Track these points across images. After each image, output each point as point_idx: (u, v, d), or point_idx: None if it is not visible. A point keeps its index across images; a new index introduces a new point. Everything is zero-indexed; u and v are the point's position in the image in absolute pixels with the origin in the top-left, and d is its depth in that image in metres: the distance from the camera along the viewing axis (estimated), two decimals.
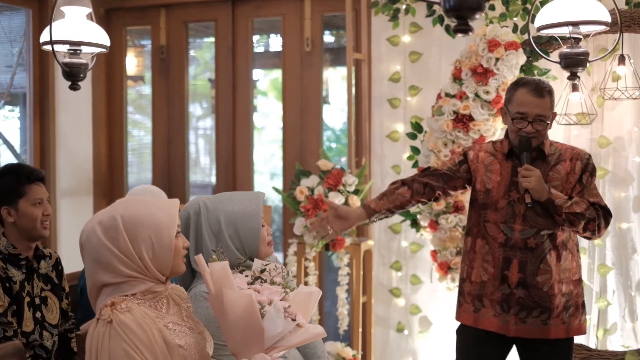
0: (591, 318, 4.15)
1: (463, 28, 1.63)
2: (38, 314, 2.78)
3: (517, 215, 2.93)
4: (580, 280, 3.01)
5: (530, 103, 2.89)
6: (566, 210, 2.84)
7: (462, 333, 3.12)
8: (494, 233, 2.97)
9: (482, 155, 3.06)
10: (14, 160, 4.99)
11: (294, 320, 1.96)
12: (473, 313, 3.04)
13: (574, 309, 2.97)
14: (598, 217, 2.88)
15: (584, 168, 2.93)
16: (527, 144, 2.90)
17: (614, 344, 4.10)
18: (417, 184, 3.07)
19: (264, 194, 2.57)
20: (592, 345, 4.09)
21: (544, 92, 2.90)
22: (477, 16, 1.62)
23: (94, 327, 1.98)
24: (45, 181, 2.94)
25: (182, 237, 2.11)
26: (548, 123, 2.91)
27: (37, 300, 2.81)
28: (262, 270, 2.09)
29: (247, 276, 2.09)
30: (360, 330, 4.43)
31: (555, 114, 3.00)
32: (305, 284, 4.30)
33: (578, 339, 4.11)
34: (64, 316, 2.93)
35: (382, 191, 3.12)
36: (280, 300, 1.98)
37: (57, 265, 2.97)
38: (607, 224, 2.92)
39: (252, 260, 2.25)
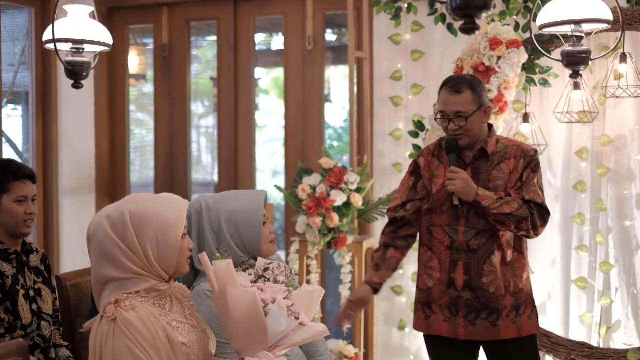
0: (593, 316, 4.16)
1: (470, 27, 1.63)
2: (34, 306, 2.80)
3: (460, 217, 2.90)
4: (529, 278, 2.98)
5: (447, 100, 2.88)
6: (494, 210, 2.80)
7: (428, 343, 3.12)
8: (440, 236, 2.94)
9: (429, 160, 3.02)
10: (16, 159, 5.00)
11: (297, 318, 1.97)
12: (424, 320, 3.03)
13: (524, 307, 2.94)
14: (531, 216, 2.81)
15: (526, 164, 2.88)
16: (453, 145, 2.88)
17: (617, 342, 4.10)
18: (399, 241, 3.09)
19: (266, 192, 2.56)
20: (595, 343, 4.09)
21: (461, 87, 2.86)
22: (484, 15, 1.62)
23: (97, 325, 1.98)
24: (35, 180, 2.91)
25: (188, 239, 2.12)
26: (467, 118, 2.84)
27: (32, 292, 2.82)
28: (265, 269, 2.09)
29: (250, 274, 2.09)
30: (362, 328, 4.43)
31: (486, 107, 2.91)
32: (307, 282, 4.30)
33: (580, 337, 4.12)
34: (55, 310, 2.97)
35: (372, 263, 3.12)
36: (284, 298, 1.99)
37: (45, 259, 2.99)
38: (543, 222, 2.85)
39: (255, 259, 2.25)
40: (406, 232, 3.08)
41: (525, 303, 2.94)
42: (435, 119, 2.93)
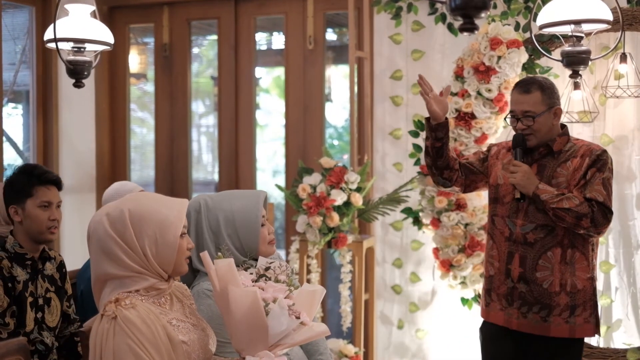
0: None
1: (469, 27, 1.63)
2: (39, 315, 2.76)
3: (520, 210, 2.94)
4: (592, 280, 2.95)
5: (516, 100, 2.95)
6: (553, 205, 2.82)
7: (483, 329, 3.16)
8: (501, 227, 3.00)
9: (503, 153, 3.10)
10: (17, 158, 5.00)
11: (298, 318, 1.97)
12: (485, 307, 3.10)
13: (582, 309, 2.92)
14: (592, 213, 2.81)
15: (592, 163, 2.88)
16: (519, 141, 2.93)
17: (617, 342, 4.10)
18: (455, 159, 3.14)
19: (265, 193, 2.55)
20: (594, 343, 4.09)
21: (531, 87, 2.91)
22: (483, 15, 1.62)
23: (98, 323, 1.98)
24: (61, 186, 2.85)
25: (188, 238, 2.12)
26: (534, 118, 2.89)
27: (41, 301, 2.78)
28: (267, 268, 2.10)
29: (251, 274, 2.10)
30: (363, 327, 4.44)
31: (557, 109, 2.95)
32: (308, 281, 4.31)
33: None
34: (65, 319, 2.90)
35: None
36: (285, 298, 1.99)
37: (61, 267, 2.94)
38: (605, 220, 2.84)
39: (256, 260, 2.25)
40: (463, 162, 3.14)
41: (584, 305, 2.93)
42: (505, 118, 2.96)
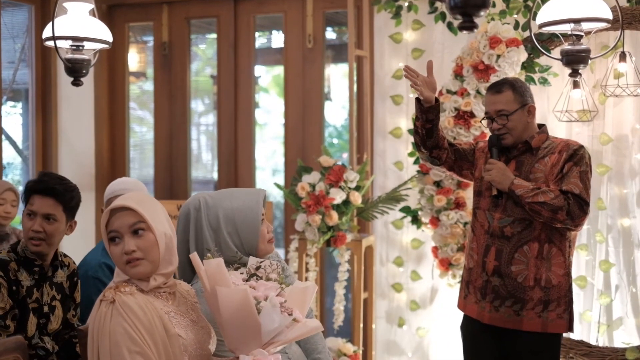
0: (593, 314, 4.16)
1: (468, 25, 1.64)
2: (42, 321, 2.71)
3: (499, 205, 2.97)
4: (567, 276, 2.96)
5: (489, 101, 3.01)
6: (528, 199, 2.85)
7: (463, 322, 3.17)
8: (482, 220, 3.03)
9: (486, 151, 3.12)
10: (16, 157, 5.00)
11: (290, 315, 1.97)
12: (463, 299, 3.12)
13: (555, 305, 2.93)
14: (568, 206, 2.82)
15: (569, 157, 2.91)
16: (493, 141, 2.99)
17: (616, 341, 4.10)
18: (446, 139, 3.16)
19: (265, 191, 2.56)
20: (594, 342, 4.09)
21: (502, 87, 2.98)
22: (482, 13, 1.63)
23: (96, 309, 2.00)
24: (59, 196, 2.68)
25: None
26: (508, 116, 2.94)
27: (46, 309, 2.72)
28: (258, 268, 2.09)
29: (242, 273, 2.09)
30: (362, 326, 4.44)
31: (530, 107, 2.98)
32: (306, 280, 4.30)
33: (579, 335, 4.12)
34: (67, 326, 2.83)
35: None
36: (276, 295, 1.99)
37: (73, 276, 2.87)
38: (582, 213, 2.85)
39: (249, 257, 2.25)
40: (453, 144, 3.17)
41: (558, 301, 2.94)
42: (480, 120, 3.01)
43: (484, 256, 2.99)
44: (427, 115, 3.01)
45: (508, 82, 3.00)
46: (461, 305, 3.15)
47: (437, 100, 3.00)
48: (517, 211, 2.93)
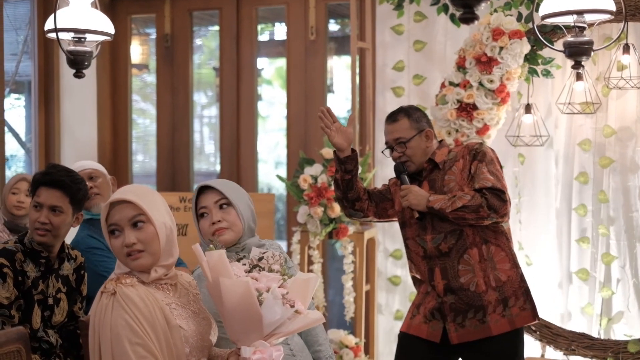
0: (595, 307, 4.16)
1: (469, 16, 1.64)
2: (47, 313, 2.71)
3: (427, 227, 2.96)
4: (515, 268, 2.95)
5: (387, 132, 3.05)
6: (449, 209, 2.85)
7: (400, 340, 3.10)
8: (415, 248, 3.01)
9: (399, 182, 3.10)
10: (19, 149, 5.00)
11: (292, 306, 1.97)
12: (409, 320, 3.05)
13: (514, 300, 2.92)
14: (486, 201, 2.82)
15: (472, 158, 2.94)
16: (400, 169, 3.00)
17: (618, 333, 4.10)
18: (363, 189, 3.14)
19: (204, 183, 2.48)
20: (595, 335, 4.09)
21: (397, 116, 3.02)
22: (483, 5, 1.63)
23: (97, 301, 2.01)
24: (66, 189, 2.68)
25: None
26: (405, 143, 2.95)
27: (51, 301, 2.73)
28: (260, 258, 2.09)
29: (244, 265, 2.09)
30: (363, 318, 4.44)
31: (427, 131, 3.00)
32: (309, 272, 4.31)
33: (581, 328, 4.12)
34: (72, 319, 2.84)
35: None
36: (278, 287, 1.99)
37: (80, 269, 2.87)
38: (502, 202, 2.83)
39: (244, 249, 2.25)
40: (370, 191, 3.15)
41: (514, 295, 2.92)
42: (382, 151, 3.09)
43: (431, 280, 2.96)
44: (345, 166, 3.02)
45: (403, 111, 3.03)
46: (405, 325, 3.05)
47: (353, 150, 3.02)
48: (445, 225, 2.92)
